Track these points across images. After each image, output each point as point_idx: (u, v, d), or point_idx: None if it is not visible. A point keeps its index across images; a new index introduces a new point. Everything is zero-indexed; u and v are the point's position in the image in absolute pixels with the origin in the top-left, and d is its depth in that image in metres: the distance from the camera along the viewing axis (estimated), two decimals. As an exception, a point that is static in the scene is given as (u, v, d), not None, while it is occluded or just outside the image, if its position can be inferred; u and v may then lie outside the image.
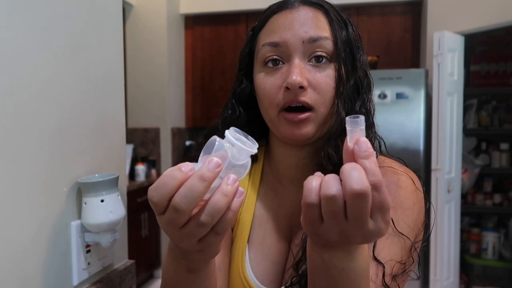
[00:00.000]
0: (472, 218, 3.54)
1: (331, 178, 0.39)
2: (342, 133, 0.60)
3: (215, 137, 0.42)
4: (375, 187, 0.38)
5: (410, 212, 0.61)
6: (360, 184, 0.37)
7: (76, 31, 0.69)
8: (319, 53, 0.60)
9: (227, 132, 0.41)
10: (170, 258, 0.51)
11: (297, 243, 0.63)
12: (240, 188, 0.40)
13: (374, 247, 0.57)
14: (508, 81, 3.43)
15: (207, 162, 0.38)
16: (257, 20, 0.69)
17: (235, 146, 0.40)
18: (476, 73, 3.48)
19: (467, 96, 3.16)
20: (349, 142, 0.40)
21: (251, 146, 0.41)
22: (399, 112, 2.75)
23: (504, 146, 3.40)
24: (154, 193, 0.39)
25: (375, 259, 0.56)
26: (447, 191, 2.75)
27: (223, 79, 3.61)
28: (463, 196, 3.28)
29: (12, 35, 0.56)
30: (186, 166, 0.39)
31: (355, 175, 0.37)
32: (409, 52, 3.28)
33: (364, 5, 3.24)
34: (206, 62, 3.65)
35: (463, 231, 3.30)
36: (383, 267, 0.56)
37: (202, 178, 0.37)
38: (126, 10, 3.39)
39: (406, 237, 0.59)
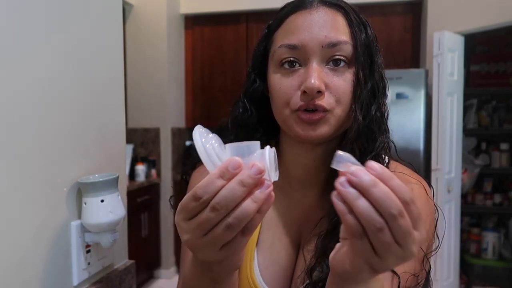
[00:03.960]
0: (472, 218, 3.54)
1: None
2: (358, 138, 0.59)
3: (257, 143, 0.41)
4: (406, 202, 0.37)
5: (423, 224, 0.61)
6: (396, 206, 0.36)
7: (76, 31, 0.69)
8: (337, 57, 0.58)
9: (267, 150, 0.40)
10: (195, 270, 0.50)
11: (309, 249, 0.62)
12: (272, 193, 0.40)
13: None
14: (508, 81, 3.43)
15: (249, 166, 0.38)
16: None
17: (270, 166, 0.40)
18: (476, 73, 3.48)
19: (467, 96, 3.16)
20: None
21: (276, 175, 0.40)
22: (399, 112, 2.75)
23: (504, 146, 3.40)
24: (202, 191, 0.38)
25: (391, 270, 0.56)
26: (447, 191, 2.75)
27: (223, 79, 3.61)
28: (463, 196, 3.27)
29: (13, 37, 0.56)
30: (229, 171, 0.38)
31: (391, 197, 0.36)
32: (409, 52, 3.28)
33: (364, 5, 3.24)
34: (206, 62, 3.65)
35: (463, 231, 3.30)
36: (398, 278, 0.55)
37: (243, 184, 0.37)
38: (126, 10, 3.39)
39: (420, 248, 0.59)
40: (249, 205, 0.38)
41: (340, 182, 0.37)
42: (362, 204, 0.36)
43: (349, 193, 0.37)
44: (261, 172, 0.38)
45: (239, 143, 0.41)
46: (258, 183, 0.38)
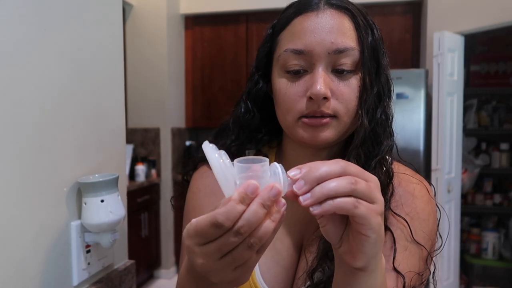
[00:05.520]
0: (472, 218, 3.54)
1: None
2: (364, 143, 0.59)
3: (266, 160, 0.41)
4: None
5: (426, 223, 0.61)
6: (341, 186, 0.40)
7: (76, 31, 0.69)
8: (343, 64, 0.58)
9: (279, 167, 0.41)
10: (191, 280, 0.49)
11: (312, 250, 0.62)
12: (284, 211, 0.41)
13: (394, 258, 0.57)
14: (508, 81, 3.43)
15: (269, 188, 0.38)
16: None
17: (284, 184, 0.41)
18: (476, 73, 3.48)
19: (467, 96, 3.16)
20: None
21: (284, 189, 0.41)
22: (399, 112, 2.71)
23: (504, 146, 3.40)
24: (224, 218, 0.38)
25: (395, 270, 0.56)
26: (447, 191, 2.75)
27: (223, 79, 3.61)
28: (463, 196, 3.27)
29: (13, 36, 0.56)
30: (247, 196, 0.38)
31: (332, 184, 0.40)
32: (409, 52, 3.28)
33: (365, 5, 3.22)
34: (206, 62, 3.65)
35: (463, 231, 3.30)
36: (403, 278, 0.56)
37: (264, 206, 0.38)
38: (126, 10, 3.39)
39: (424, 247, 0.59)
40: (269, 224, 0.39)
41: (301, 200, 0.40)
42: (327, 185, 0.39)
43: (315, 191, 0.39)
44: (280, 194, 0.39)
45: (247, 158, 0.41)
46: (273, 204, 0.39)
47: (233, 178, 0.40)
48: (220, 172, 0.40)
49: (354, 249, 0.43)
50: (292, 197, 0.41)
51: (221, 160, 0.40)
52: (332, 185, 0.39)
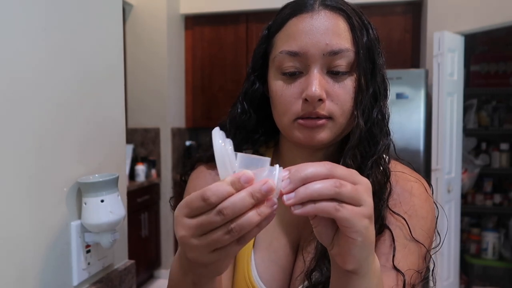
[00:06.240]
0: (472, 218, 3.54)
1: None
2: (360, 143, 0.59)
3: (268, 159, 0.42)
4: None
5: (425, 221, 0.62)
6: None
7: (76, 31, 0.69)
8: (338, 65, 0.58)
9: (278, 169, 0.42)
10: (178, 266, 0.50)
11: (309, 250, 0.62)
12: (274, 212, 0.41)
13: (393, 256, 0.57)
14: (508, 81, 3.43)
15: (262, 182, 0.39)
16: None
17: (277, 185, 0.41)
18: (476, 73, 3.48)
19: (467, 96, 3.16)
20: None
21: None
22: (399, 112, 2.75)
23: (504, 146, 3.40)
24: (211, 193, 0.39)
25: (395, 268, 0.56)
26: (447, 191, 2.75)
27: (223, 79, 3.61)
28: (463, 196, 3.27)
29: (12, 35, 0.56)
30: (240, 181, 0.39)
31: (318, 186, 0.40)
32: (409, 52, 3.28)
33: (364, 5, 3.23)
34: (206, 62, 3.65)
35: (463, 231, 3.30)
36: (403, 276, 0.56)
37: (252, 196, 0.39)
38: (126, 10, 3.39)
39: (423, 245, 0.60)
40: (253, 216, 0.39)
41: (284, 198, 0.40)
42: (311, 186, 0.39)
43: (299, 192, 0.39)
44: (272, 191, 0.39)
45: (250, 155, 0.42)
46: (265, 199, 0.40)
47: (230, 166, 0.41)
48: (219, 156, 0.41)
49: (343, 251, 0.43)
50: (280, 197, 0.41)
51: (223, 144, 0.41)
52: (316, 186, 0.39)
